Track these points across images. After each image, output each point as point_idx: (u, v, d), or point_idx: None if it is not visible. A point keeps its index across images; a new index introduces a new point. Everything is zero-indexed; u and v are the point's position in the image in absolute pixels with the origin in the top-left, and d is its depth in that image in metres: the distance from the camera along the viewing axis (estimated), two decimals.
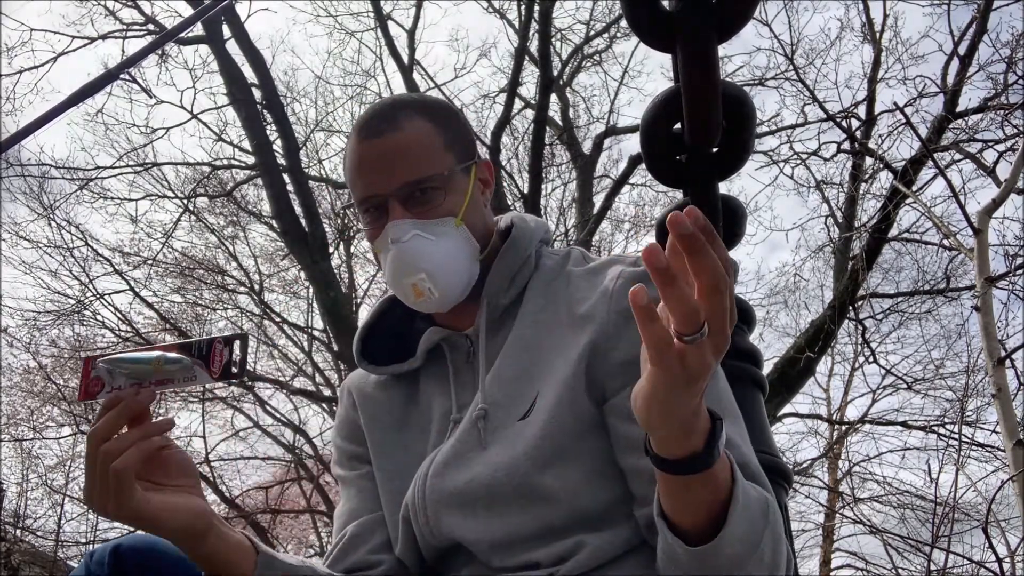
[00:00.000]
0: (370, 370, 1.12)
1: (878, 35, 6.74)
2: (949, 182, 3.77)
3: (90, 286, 8.87)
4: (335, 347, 8.43)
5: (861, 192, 6.89)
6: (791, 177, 7.20)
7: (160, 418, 0.85)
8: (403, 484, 1.02)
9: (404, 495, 1.01)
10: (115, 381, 0.86)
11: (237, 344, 0.87)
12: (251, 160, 8.08)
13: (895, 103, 6.42)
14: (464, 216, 1.01)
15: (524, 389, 0.97)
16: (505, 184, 8.16)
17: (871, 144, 6.41)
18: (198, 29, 6.94)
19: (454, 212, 1.00)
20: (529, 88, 8.77)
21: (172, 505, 0.83)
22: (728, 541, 0.74)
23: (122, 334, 9.02)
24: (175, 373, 0.85)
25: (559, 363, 0.96)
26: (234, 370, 0.86)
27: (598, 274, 1.01)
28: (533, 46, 7.64)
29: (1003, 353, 2.86)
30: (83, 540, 9.47)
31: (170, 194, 8.96)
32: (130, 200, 8.85)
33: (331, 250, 8.07)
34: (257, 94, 7.09)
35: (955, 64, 5.75)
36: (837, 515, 8.30)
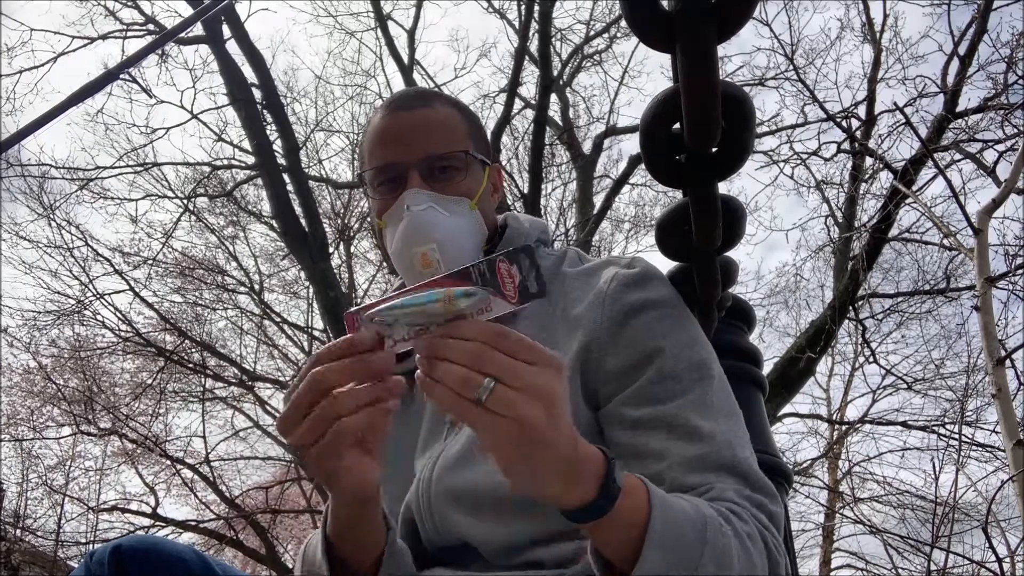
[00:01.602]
0: None
1: (878, 35, 6.75)
2: (949, 182, 3.76)
3: (90, 286, 8.86)
4: None
5: (861, 192, 6.89)
6: (791, 177, 7.21)
7: (392, 377, 0.73)
8: (394, 472, 1.02)
9: (393, 484, 1.02)
10: (396, 332, 0.70)
11: (525, 260, 0.71)
12: (251, 160, 8.07)
13: (895, 103, 6.42)
14: (478, 203, 1.03)
15: None
16: (505, 184, 8.13)
17: (871, 144, 6.40)
18: (198, 29, 6.93)
19: (470, 195, 1.03)
20: (529, 88, 8.79)
21: (355, 469, 0.74)
22: (648, 571, 0.72)
23: (122, 334, 9.02)
24: (470, 308, 0.68)
25: None
26: (532, 289, 0.70)
27: (592, 275, 1.01)
28: (533, 46, 7.63)
29: (1003, 353, 2.85)
30: (83, 540, 9.47)
31: (170, 194, 8.97)
32: (130, 200, 8.86)
33: (331, 250, 8.07)
34: (257, 94, 7.09)
35: (955, 64, 5.75)
36: (837, 515, 8.31)
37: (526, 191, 7.39)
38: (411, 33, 8.68)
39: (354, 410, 0.70)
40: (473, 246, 1.03)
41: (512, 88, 7.50)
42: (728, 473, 0.86)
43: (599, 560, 0.77)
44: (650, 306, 0.96)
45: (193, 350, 9.31)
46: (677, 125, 0.85)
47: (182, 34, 6.29)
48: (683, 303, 1.00)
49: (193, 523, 9.22)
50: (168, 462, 9.20)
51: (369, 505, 0.83)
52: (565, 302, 1.00)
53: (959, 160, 5.54)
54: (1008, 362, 2.83)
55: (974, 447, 5.62)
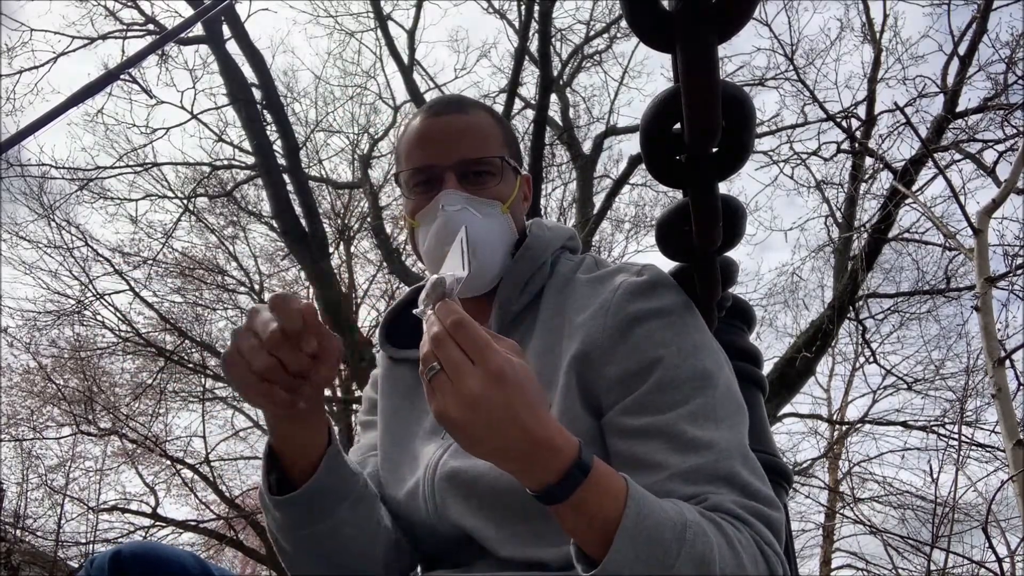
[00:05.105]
0: (388, 351, 1.15)
1: (878, 35, 6.75)
2: (949, 182, 3.76)
3: (90, 286, 8.88)
4: None
5: (861, 192, 6.89)
6: (791, 177, 7.21)
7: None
8: (395, 451, 1.08)
9: (395, 461, 1.07)
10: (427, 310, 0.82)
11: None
12: (251, 160, 8.08)
13: (895, 103, 6.41)
14: (509, 208, 1.06)
15: None
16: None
17: (871, 144, 6.40)
18: (198, 29, 6.93)
19: (503, 199, 1.06)
20: (529, 88, 8.79)
21: (265, 397, 0.82)
22: (617, 565, 0.73)
23: (122, 334, 9.03)
24: (449, 287, 0.80)
25: (559, 372, 0.96)
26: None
27: (601, 283, 1.01)
28: (533, 46, 7.63)
29: (1003, 353, 2.86)
30: (83, 540, 9.47)
31: (170, 194, 8.98)
32: (130, 200, 8.88)
33: (331, 250, 8.06)
34: (257, 94, 7.08)
35: (955, 64, 5.75)
36: (837, 515, 8.30)
37: None
38: (411, 33, 8.68)
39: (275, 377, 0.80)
40: (504, 248, 1.05)
41: (512, 88, 7.50)
42: (725, 484, 0.85)
43: (579, 552, 0.78)
44: (654, 315, 0.95)
45: (193, 350, 9.32)
46: (677, 125, 0.84)
47: (182, 34, 6.28)
48: (693, 310, 0.99)
49: (193, 523, 9.23)
50: (168, 462, 9.21)
51: (295, 422, 0.89)
52: (572, 308, 1.00)
53: (959, 160, 5.53)
54: (1008, 362, 2.83)
55: (974, 447, 5.61)
